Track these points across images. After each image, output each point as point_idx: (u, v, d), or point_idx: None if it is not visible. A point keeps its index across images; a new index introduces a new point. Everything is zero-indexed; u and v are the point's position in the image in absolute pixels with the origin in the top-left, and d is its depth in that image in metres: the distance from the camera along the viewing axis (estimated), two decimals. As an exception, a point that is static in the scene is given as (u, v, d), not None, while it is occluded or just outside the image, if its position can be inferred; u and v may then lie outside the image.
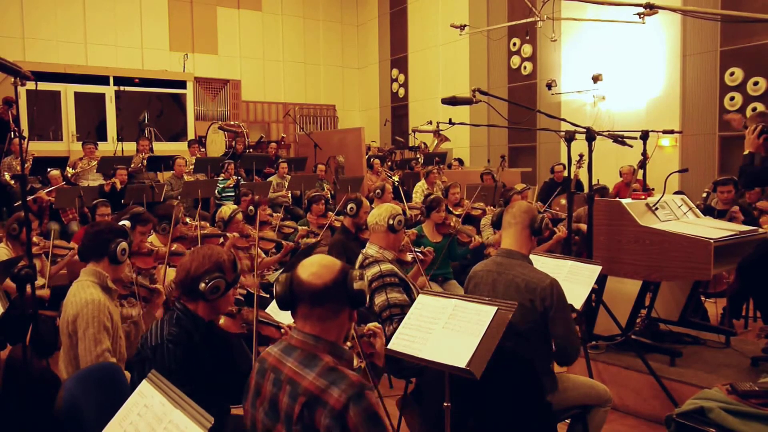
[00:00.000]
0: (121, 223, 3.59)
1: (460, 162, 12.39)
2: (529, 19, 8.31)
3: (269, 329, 2.42)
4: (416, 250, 3.57)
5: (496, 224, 2.79)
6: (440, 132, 11.29)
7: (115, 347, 2.69)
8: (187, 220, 5.35)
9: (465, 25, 8.63)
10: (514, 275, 2.45)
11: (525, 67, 11.96)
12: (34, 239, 4.52)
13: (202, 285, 2.07)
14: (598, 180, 7.16)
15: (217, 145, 10.55)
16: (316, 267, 1.62)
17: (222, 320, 2.29)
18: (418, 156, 10.82)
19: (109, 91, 10.12)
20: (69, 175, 7.29)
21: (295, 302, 1.62)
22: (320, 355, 1.58)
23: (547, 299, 2.36)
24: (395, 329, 2.17)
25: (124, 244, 2.76)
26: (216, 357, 2.14)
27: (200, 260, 2.12)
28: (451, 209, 6.34)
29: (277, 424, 1.55)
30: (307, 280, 1.60)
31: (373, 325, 2.06)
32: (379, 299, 2.84)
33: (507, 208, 2.69)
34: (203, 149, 10.27)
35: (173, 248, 4.14)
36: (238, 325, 2.33)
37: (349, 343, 1.85)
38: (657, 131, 5.15)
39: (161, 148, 9.85)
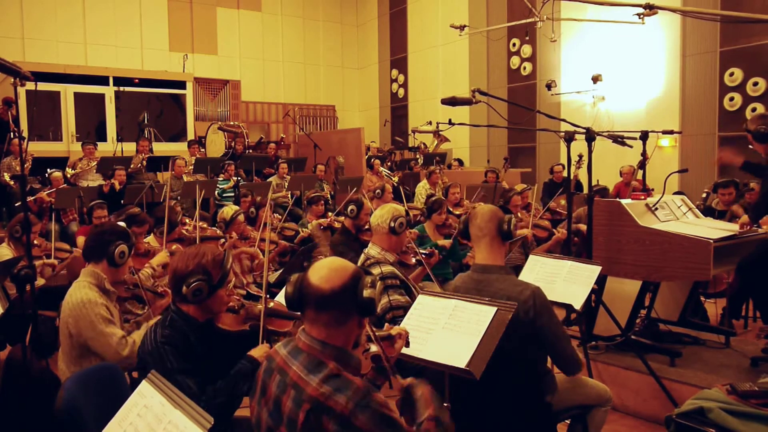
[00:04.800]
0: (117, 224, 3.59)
1: (460, 162, 12.40)
2: (528, 20, 8.30)
3: (278, 322, 2.36)
4: (421, 251, 3.56)
5: (464, 235, 2.58)
6: (440, 132, 11.30)
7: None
8: (186, 221, 5.35)
9: (465, 26, 8.62)
10: (495, 291, 2.34)
11: (525, 68, 11.97)
12: (36, 241, 4.52)
13: (185, 288, 2.04)
14: (597, 180, 7.16)
15: (216, 145, 10.55)
16: (326, 271, 1.57)
17: (225, 319, 2.27)
18: (417, 156, 10.83)
19: (108, 91, 10.12)
20: (69, 176, 7.30)
21: (303, 305, 1.59)
22: (326, 361, 1.55)
23: (531, 310, 2.24)
24: None
25: (123, 247, 2.74)
26: (214, 356, 2.13)
27: (184, 262, 2.08)
28: (451, 209, 6.35)
29: (280, 426, 1.54)
30: (316, 283, 1.55)
31: (400, 328, 1.99)
32: (381, 301, 2.84)
33: (470, 219, 2.49)
34: (203, 150, 10.27)
35: (172, 249, 4.14)
36: (239, 322, 2.31)
37: (368, 345, 1.80)
38: (657, 131, 5.15)
39: (161, 148, 9.85)
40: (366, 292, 1.55)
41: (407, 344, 1.98)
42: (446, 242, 4.61)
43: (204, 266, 2.08)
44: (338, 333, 1.58)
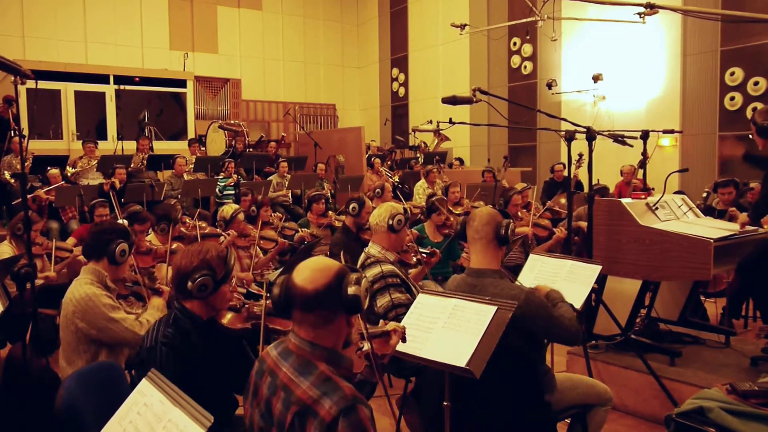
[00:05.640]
0: (118, 221, 3.60)
1: (461, 161, 12.40)
2: (529, 19, 8.31)
3: (280, 320, 2.38)
4: (422, 250, 3.55)
5: (461, 237, 2.57)
6: (440, 131, 11.29)
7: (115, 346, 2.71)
8: (186, 219, 5.35)
9: (465, 25, 8.62)
10: (488, 296, 2.30)
11: (525, 67, 11.96)
12: (37, 240, 4.53)
13: (190, 284, 2.06)
14: (598, 180, 7.15)
15: (217, 144, 10.55)
16: (309, 271, 1.56)
17: (227, 317, 2.28)
18: (418, 155, 10.83)
19: (109, 89, 10.11)
20: (69, 174, 7.29)
21: (290, 307, 1.58)
22: (315, 362, 1.54)
23: (527, 314, 2.23)
24: None
25: (124, 246, 2.76)
26: (215, 355, 2.13)
27: (189, 258, 2.11)
28: (451, 208, 6.35)
29: (271, 427, 1.54)
30: (300, 284, 1.54)
31: (396, 324, 1.96)
32: (383, 300, 2.83)
33: (468, 220, 2.47)
34: (203, 148, 10.26)
35: (173, 247, 4.14)
36: (241, 320, 2.31)
37: (362, 344, 1.79)
38: (657, 131, 5.14)
39: (161, 147, 9.85)
40: (351, 290, 1.54)
41: (404, 340, 1.96)
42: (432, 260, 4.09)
43: (208, 262, 2.10)
44: (326, 333, 1.57)
